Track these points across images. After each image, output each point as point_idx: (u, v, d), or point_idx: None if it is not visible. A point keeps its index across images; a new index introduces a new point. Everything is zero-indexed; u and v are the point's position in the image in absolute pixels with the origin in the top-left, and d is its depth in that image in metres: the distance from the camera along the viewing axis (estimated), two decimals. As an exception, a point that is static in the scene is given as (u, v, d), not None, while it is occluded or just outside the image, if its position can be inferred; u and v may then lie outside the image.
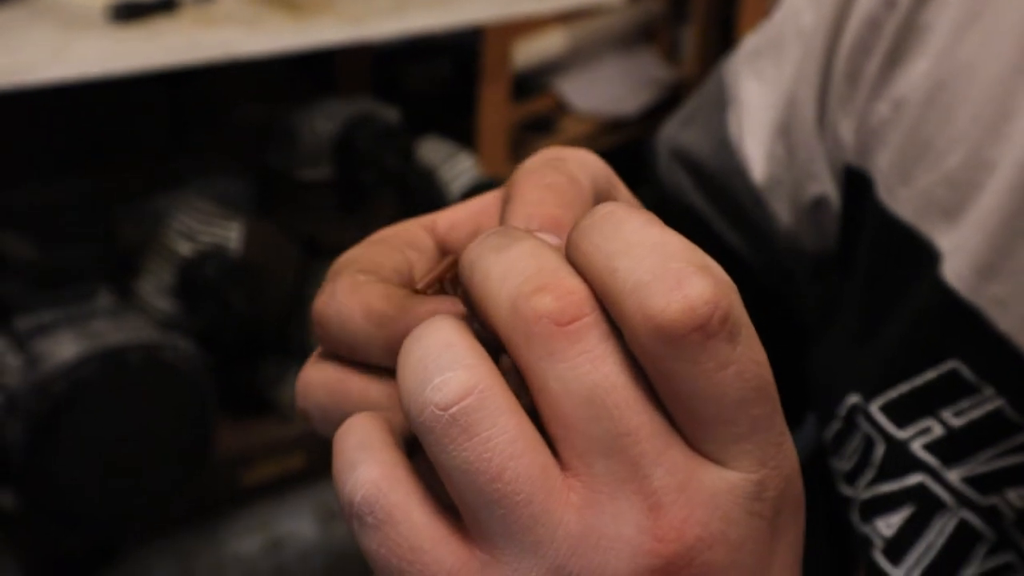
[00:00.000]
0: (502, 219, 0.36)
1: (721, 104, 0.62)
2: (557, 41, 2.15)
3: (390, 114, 1.75)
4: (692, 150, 0.66)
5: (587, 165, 0.38)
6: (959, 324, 0.52)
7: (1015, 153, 0.50)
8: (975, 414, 0.51)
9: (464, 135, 1.96)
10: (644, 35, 2.32)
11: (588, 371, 0.29)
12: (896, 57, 0.56)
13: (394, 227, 0.41)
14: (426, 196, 1.79)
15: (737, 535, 0.30)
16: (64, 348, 1.44)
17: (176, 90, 1.89)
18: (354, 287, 0.36)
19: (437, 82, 2.18)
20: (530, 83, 2.12)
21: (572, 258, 0.31)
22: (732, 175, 0.61)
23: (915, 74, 0.55)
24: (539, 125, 2.10)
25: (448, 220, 0.41)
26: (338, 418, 0.35)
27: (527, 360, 0.30)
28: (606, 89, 2.16)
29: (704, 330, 0.28)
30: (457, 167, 1.79)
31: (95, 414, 1.46)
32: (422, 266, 0.39)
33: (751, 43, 0.66)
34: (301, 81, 2.03)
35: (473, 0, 1.75)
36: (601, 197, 0.38)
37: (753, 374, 0.29)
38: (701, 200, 0.63)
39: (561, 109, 2.16)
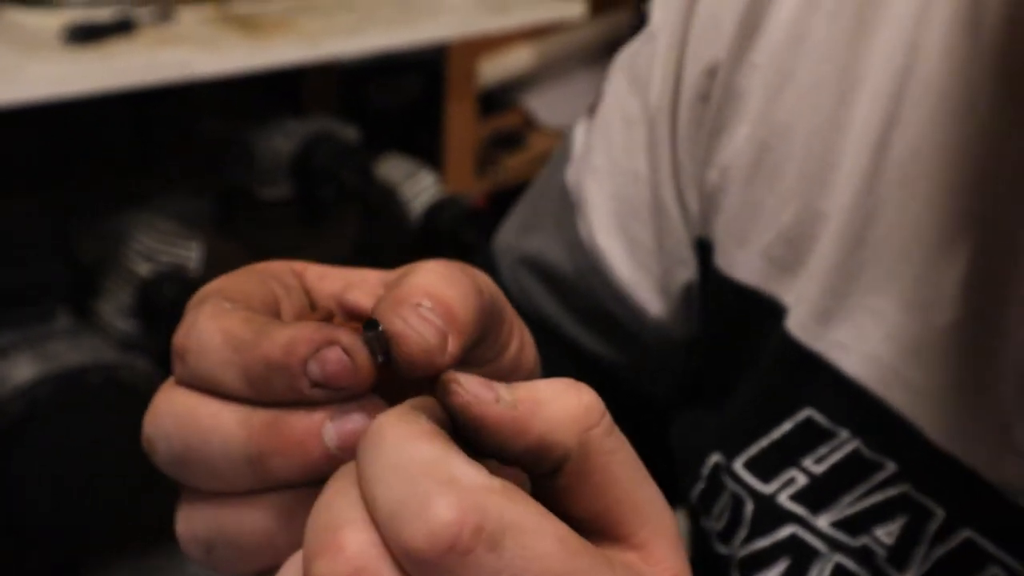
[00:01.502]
0: (392, 289, 0.36)
1: (568, 208, 0.62)
2: (524, 56, 2.17)
3: (349, 132, 1.75)
4: (542, 256, 0.66)
5: (488, 280, 0.39)
6: (807, 373, 0.53)
7: (841, 200, 0.52)
8: (834, 459, 0.52)
9: (431, 151, 1.98)
10: (611, 50, 2.31)
11: None
12: (720, 125, 0.57)
13: (263, 263, 0.41)
14: (387, 213, 1.79)
15: None
16: (21, 370, 1.43)
17: (139, 107, 1.88)
18: (216, 314, 0.36)
19: (403, 98, 2.18)
20: (497, 99, 2.14)
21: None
22: (590, 275, 0.61)
23: (738, 139, 0.57)
24: (507, 141, 2.12)
25: (319, 271, 0.41)
26: (181, 450, 0.35)
27: None
28: (574, 104, 2.17)
29: (455, 550, 0.29)
30: (419, 184, 1.80)
31: (53, 435, 1.45)
32: (289, 305, 0.39)
33: (580, 143, 0.66)
34: (266, 98, 2.04)
35: (436, 17, 1.77)
36: (496, 309, 0.39)
37: (536, 568, 0.30)
38: (554, 306, 0.64)
39: (529, 124, 2.18)
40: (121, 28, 1.50)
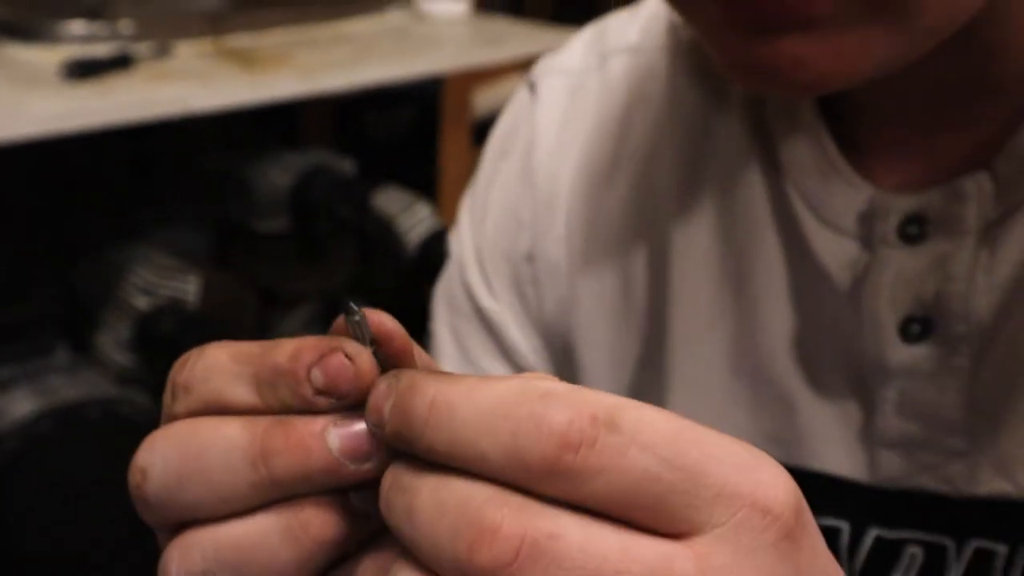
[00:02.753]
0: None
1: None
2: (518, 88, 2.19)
3: (345, 165, 1.76)
4: None
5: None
6: None
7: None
8: None
9: (426, 182, 1.99)
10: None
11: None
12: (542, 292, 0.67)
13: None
14: (383, 246, 1.79)
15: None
16: (20, 404, 1.44)
17: (137, 141, 1.88)
18: (221, 344, 0.37)
19: (399, 130, 2.19)
20: (492, 130, 2.15)
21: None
22: None
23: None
24: (502, 171, 2.14)
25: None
26: (178, 467, 0.35)
27: None
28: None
29: (585, 440, 0.30)
30: (415, 216, 1.81)
31: (52, 469, 1.46)
32: None
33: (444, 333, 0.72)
34: (264, 131, 2.04)
35: (430, 50, 1.80)
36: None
37: (655, 435, 0.31)
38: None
39: (524, 154, 2.20)
40: (119, 64, 1.52)
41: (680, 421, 0.32)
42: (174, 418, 0.37)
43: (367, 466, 0.35)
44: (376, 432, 0.34)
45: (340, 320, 0.36)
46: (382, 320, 0.36)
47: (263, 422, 0.36)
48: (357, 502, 0.36)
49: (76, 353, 1.56)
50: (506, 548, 0.30)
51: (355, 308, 0.36)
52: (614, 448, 0.30)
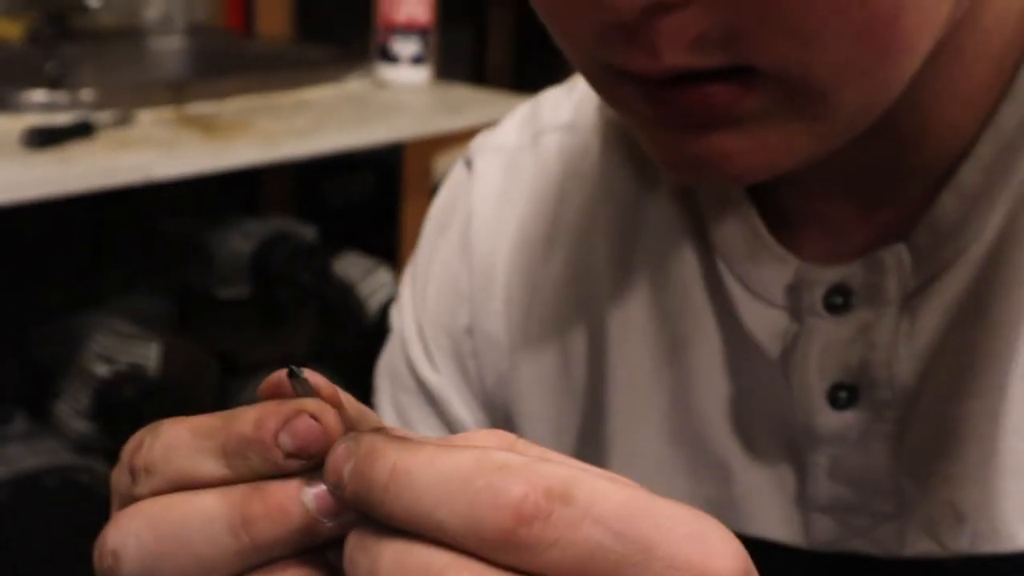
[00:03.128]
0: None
1: None
2: (480, 153, 2.21)
3: (306, 232, 1.77)
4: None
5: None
6: None
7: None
8: None
9: (388, 248, 1.99)
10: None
11: None
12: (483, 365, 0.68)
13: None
14: (344, 312, 1.80)
15: None
16: None
17: (97, 208, 1.87)
18: (175, 420, 0.37)
19: (360, 196, 2.21)
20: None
21: None
22: None
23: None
24: (464, 236, 2.16)
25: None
26: (154, 546, 0.35)
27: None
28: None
29: (540, 514, 0.31)
30: (376, 282, 1.81)
31: (10, 538, 1.43)
32: None
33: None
34: (225, 198, 2.04)
35: (391, 118, 1.81)
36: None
37: (609, 506, 0.32)
38: None
39: (486, 219, 2.22)
40: (80, 132, 1.52)
41: (633, 491, 0.33)
42: (136, 499, 0.37)
43: (343, 519, 0.36)
44: (335, 494, 0.34)
45: (273, 379, 0.37)
46: (316, 378, 0.37)
47: (239, 491, 0.36)
48: (334, 559, 0.36)
49: (34, 421, 1.54)
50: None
51: (298, 370, 0.37)
52: (567, 521, 0.31)
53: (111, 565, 0.37)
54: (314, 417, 0.36)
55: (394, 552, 0.33)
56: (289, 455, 0.35)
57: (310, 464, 0.36)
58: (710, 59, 0.46)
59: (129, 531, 0.37)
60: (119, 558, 0.37)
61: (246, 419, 0.36)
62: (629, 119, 0.53)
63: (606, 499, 0.32)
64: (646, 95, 0.48)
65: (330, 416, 0.36)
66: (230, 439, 0.36)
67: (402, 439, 0.34)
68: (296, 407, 0.36)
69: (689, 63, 0.46)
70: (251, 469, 0.36)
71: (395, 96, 2.00)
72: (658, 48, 0.46)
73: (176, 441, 0.37)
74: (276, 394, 0.38)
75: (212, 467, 0.36)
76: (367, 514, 0.34)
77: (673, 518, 0.32)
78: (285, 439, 0.35)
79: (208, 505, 0.36)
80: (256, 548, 0.36)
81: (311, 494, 0.36)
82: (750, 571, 0.33)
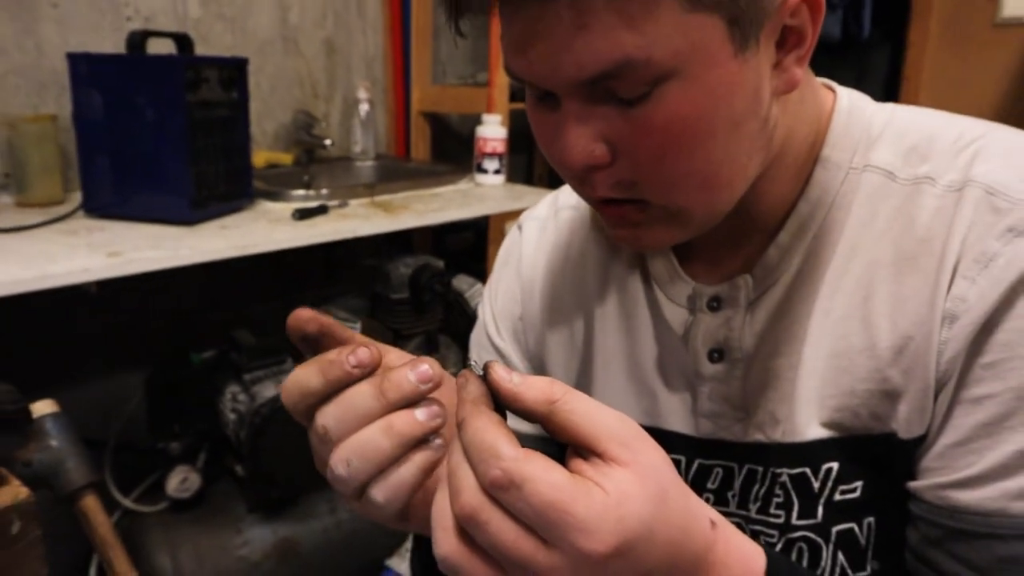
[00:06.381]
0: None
1: None
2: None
3: (438, 263, 2.05)
4: None
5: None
6: None
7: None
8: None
9: (481, 273, 2.27)
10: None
11: None
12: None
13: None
14: (458, 307, 2.09)
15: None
16: (268, 390, 1.81)
17: (330, 251, 2.25)
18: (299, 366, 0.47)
19: (466, 244, 2.53)
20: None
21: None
22: None
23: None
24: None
25: (388, 349, 0.51)
26: (339, 412, 0.47)
27: None
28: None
29: (504, 490, 0.41)
30: (474, 292, 2.11)
31: (288, 425, 1.76)
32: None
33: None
34: (393, 245, 2.40)
35: (482, 203, 2.08)
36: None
37: (540, 498, 0.42)
38: None
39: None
40: (320, 211, 1.87)
41: (559, 491, 0.41)
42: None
43: (429, 386, 0.47)
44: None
45: (465, 373, 0.46)
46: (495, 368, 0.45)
47: (377, 377, 0.48)
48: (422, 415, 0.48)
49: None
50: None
51: (475, 362, 0.46)
52: (516, 499, 0.41)
53: (321, 436, 0.50)
54: (367, 347, 0.45)
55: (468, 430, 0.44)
56: (354, 367, 0.47)
57: (365, 373, 0.45)
58: (623, 194, 0.56)
59: (327, 413, 0.49)
60: (327, 430, 0.49)
61: (332, 351, 0.49)
62: (592, 208, 0.61)
63: (540, 489, 0.41)
64: (595, 206, 0.59)
65: (374, 351, 0.46)
66: (325, 362, 0.48)
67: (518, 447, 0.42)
68: (357, 344, 0.47)
69: (612, 195, 0.56)
70: (336, 376, 0.48)
71: (484, 191, 2.22)
72: (595, 187, 0.57)
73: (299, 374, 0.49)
74: (297, 326, 0.48)
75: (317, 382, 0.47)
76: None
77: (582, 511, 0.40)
78: (351, 358, 0.47)
79: (363, 388, 0.48)
80: (388, 403, 0.47)
81: (414, 373, 0.48)
82: (623, 552, 0.40)
